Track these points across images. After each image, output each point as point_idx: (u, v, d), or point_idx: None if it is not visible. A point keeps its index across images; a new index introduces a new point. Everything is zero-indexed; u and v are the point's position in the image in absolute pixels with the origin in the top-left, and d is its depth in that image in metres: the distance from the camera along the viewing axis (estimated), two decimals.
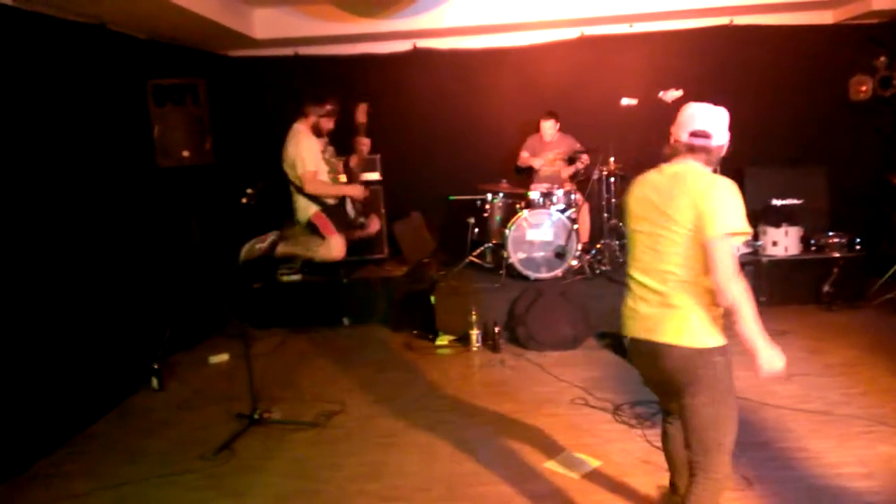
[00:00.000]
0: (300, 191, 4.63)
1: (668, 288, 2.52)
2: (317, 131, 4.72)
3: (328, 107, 4.67)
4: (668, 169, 2.61)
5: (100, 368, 4.85)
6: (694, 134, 2.56)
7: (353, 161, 5.11)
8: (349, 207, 4.83)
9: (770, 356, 2.52)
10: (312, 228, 4.65)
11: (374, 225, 5.20)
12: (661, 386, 2.76)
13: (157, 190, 5.76)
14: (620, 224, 2.87)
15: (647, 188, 2.64)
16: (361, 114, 5.18)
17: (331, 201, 4.70)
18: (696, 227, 2.40)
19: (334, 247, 4.66)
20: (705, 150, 2.58)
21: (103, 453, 4.24)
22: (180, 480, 3.83)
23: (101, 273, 5.01)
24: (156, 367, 5.22)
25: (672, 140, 2.63)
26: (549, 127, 6.58)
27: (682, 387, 2.55)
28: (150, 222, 5.71)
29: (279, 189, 6.47)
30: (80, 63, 4.96)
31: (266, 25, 6.76)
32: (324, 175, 4.68)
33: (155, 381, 5.21)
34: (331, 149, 4.87)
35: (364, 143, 5.22)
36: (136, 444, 4.34)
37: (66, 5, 4.69)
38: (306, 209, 4.64)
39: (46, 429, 4.27)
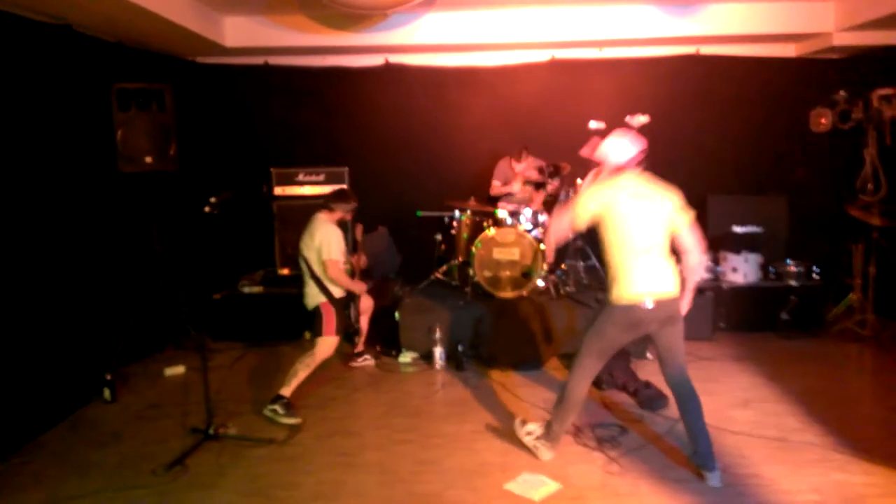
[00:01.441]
0: (314, 277, 4.86)
1: (663, 257, 3.61)
2: (340, 224, 5.05)
3: (353, 204, 5.11)
4: (631, 177, 3.67)
5: (51, 378, 4.70)
6: (643, 152, 3.74)
7: (354, 260, 5.54)
8: (353, 311, 5.14)
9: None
10: (317, 316, 4.90)
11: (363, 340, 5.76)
12: (656, 331, 3.70)
13: (118, 195, 5.63)
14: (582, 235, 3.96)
15: (632, 191, 3.60)
16: (359, 233, 5.70)
17: (338, 294, 4.93)
18: (675, 213, 3.62)
19: (329, 346, 4.89)
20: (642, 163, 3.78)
21: (52, 465, 4.10)
22: (130, 495, 3.72)
23: (56, 279, 4.88)
24: (109, 377, 5.08)
25: (621, 162, 3.70)
26: (521, 167, 6.61)
27: (677, 322, 3.68)
28: (110, 228, 5.58)
29: (243, 200, 6.45)
30: (44, 63, 4.85)
31: (237, 33, 6.70)
32: (342, 266, 4.98)
33: (108, 393, 5.06)
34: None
35: (362, 259, 5.70)
36: (86, 457, 4.20)
37: (31, 4, 4.58)
38: (316, 297, 4.90)
39: None
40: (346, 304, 5.00)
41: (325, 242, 4.82)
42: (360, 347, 5.79)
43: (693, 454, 3.81)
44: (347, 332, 5.15)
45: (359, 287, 5.12)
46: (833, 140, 6.93)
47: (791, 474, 3.78)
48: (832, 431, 4.29)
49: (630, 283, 3.58)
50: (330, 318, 4.87)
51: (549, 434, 3.98)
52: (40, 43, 4.82)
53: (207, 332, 6.33)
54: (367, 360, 5.81)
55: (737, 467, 3.87)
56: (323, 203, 5.07)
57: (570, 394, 3.86)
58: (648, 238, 3.58)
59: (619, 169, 3.70)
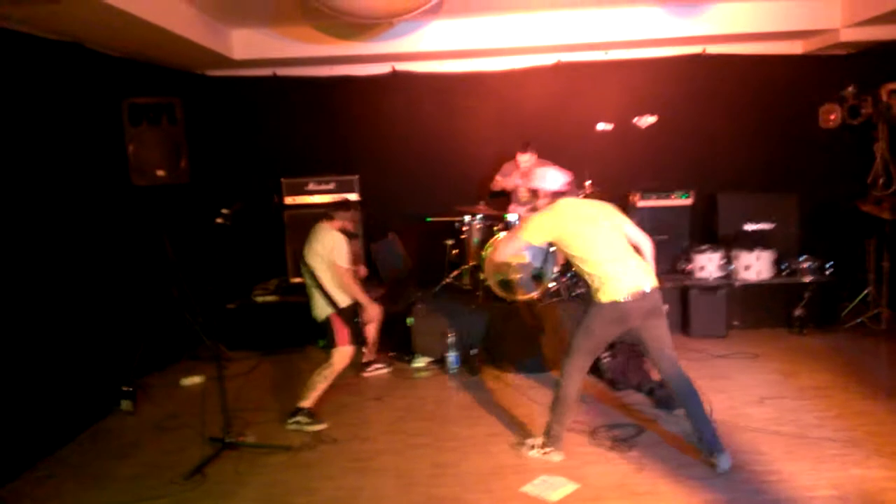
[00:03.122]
0: (321, 288, 4.87)
1: (630, 256, 3.85)
2: (342, 232, 5.05)
3: (352, 213, 5.17)
4: (568, 201, 4.01)
5: (71, 390, 4.75)
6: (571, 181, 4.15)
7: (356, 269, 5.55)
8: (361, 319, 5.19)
9: None
10: (328, 328, 4.91)
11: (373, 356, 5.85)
12: (640, 324, 3.84)
13: (131, 209, 5.69)
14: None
15: (574, 213, 3.92)
16: (399, 246, 5.91)
17: (344, 303, 4.91)
18: (615, 216, 3.98)
19: (345, 356, 4.91)
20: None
21: (73, 477, 4.15)
22: None
23: (73, 292, 4.93)
24: (127, 389, 5.13)
25: (557, 189, 4.05)
26: (525, 160, 6.61)
27: (659, 314, 3.87)
28: (124, 241, 5.64)
29: (254, 210, 6.51)
30: (56, 81, 4.92)
31: (244, 46, 6.76)
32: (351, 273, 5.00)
33: (126, 404, 5.12)
34: None
35: (361, 270, 5.70)
36: (106, 468, 4.25)
37: (42, 23, 4.65)
38: (324, 308, 4.89)
39: (15, 452, 4.17)
40: (354, 313, 5.00)
41: (335, 251, 4.81)
42: (369, 356, 5.79)
43: (699, 441, 3.90)
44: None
45: (366, 299, 5.05)
46: (843, 136, 6.92)
47: (809, 470, 3.77)
48: (850, 427, 4.27)
49: (612, 284, 3.76)
50: (341, 329, 4.86)
51: (551, 436, 4.04)
52: (53, 61, 4.89)
53: (222, 341, 6.37)
54: (380, 370, 5.81)
55: (754, 464, 3.86)
56: (324, 212, 5.09)
57: (564, 392, 3.96)
58: (609, 245, 3.84)
59: (556, 195, 4.03)
